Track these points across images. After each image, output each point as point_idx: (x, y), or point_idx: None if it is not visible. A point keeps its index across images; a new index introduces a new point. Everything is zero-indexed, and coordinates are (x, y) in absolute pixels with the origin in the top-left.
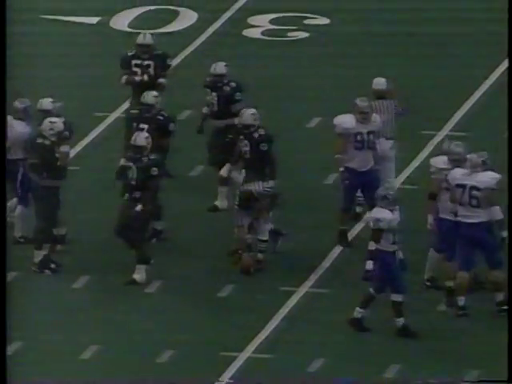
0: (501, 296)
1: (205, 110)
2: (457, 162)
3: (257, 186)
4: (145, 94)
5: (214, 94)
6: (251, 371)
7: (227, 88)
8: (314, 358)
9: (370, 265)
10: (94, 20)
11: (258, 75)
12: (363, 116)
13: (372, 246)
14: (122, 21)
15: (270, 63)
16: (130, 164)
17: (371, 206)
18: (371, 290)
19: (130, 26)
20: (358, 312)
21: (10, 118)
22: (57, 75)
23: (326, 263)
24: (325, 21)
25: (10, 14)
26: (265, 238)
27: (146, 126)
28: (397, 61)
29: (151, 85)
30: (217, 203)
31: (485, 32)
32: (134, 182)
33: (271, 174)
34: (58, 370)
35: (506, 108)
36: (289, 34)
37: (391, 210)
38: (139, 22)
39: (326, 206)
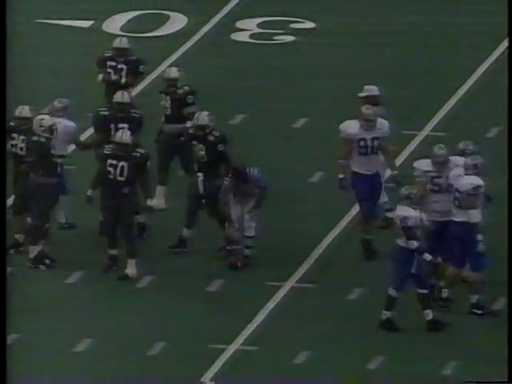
0: (475, 298)
1: (163, 118)
2: (440, 164)
3: (251, 169)
4: (120, 93)
5: (167, 97)
6: (239, 363)
7: (180, 91)
8: (299, 351)
9: (428, 256)
10: (87, 24)
11: (246, 77)
12: (368, 123)
13: (410, 244)
14: (114, 24)
15: (257, 66)
16: (115, 162)
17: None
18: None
19: (122, 29)
20: (427, 314)
21: (49, 118)
22: (51, 77)
23: (312, 258)
24: (311, 25)
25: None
26: (251, 235)
27: (126, 125)
28: (382, 66)
29: (124, 87)
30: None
31: (469, 31)
32: (122, 179)
33: (226, 171)
34: (52, 363)
35: (487, 109)
36: (276, 37)
37: (414, 209)
38: (131, 26)
39: (311, 203)
